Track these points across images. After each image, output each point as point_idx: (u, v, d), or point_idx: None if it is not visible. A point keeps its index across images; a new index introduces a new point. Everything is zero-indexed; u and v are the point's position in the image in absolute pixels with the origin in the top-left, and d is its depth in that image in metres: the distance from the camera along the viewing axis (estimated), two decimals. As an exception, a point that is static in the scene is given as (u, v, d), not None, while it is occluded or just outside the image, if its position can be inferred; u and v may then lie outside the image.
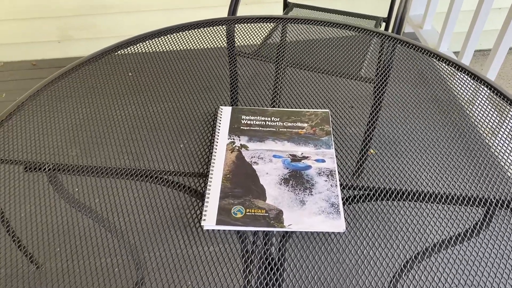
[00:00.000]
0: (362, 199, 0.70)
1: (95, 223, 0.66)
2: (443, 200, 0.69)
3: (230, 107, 0.84)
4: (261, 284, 0.59)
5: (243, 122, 0.81)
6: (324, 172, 0.71)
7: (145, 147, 0.78)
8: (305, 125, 0.80)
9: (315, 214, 0.65)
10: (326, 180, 0.70)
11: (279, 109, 0.84)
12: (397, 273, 0.60)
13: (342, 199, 0.69)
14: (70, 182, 0.72)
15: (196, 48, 1.02)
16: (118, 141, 0.79)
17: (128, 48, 0.99)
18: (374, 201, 0.70)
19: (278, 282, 0.59)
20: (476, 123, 0.83)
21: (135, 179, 0.72)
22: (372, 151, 0.78)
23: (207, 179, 0.70)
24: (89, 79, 0.93)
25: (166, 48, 1.01)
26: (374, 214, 0.67)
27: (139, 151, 0.77)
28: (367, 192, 0.71)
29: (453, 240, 0.64)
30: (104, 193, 0.69)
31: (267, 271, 0.60)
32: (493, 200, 0.69)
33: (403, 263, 0.61)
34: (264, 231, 0.64)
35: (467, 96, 0.88)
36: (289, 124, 0.80)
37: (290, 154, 0.74)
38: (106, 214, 0.67)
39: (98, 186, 0.71)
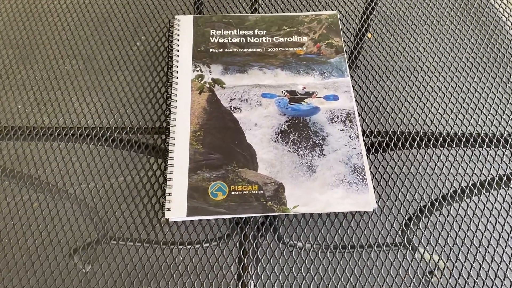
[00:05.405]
0: (382, 147, 0.49)
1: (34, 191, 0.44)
2: (470, 143, 0.49)
3: (192, 16, 0.56)
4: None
5: (212, 40, 0.54)
6: (338, 117, 0.49)
7: (65, 93, 0.52)
8: (305, 39, 0.54)
9: (330, 186, 0.44)
10: (343, 130, 0.48)
11: (264, 14, 0.57)
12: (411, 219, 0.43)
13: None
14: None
15: None
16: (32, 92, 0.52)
17: None
18: (398, 149, 0.49)
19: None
20: None
21: (58, 139, 0.48)
22: (370, 35, 0.55)
23: (167, 140, 0.47)
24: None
25: None
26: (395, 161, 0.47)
27: (60, 98, 0.51)
28: (393, 139, 0.49)
29: (477, 187, 0.46)
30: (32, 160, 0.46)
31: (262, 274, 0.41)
32: None
33: (418, 208, 0.44)
34: (259, 217, 0.44)
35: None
36: (281, 39, 0.54)
37: (286, 91, 0.50)
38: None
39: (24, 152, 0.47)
